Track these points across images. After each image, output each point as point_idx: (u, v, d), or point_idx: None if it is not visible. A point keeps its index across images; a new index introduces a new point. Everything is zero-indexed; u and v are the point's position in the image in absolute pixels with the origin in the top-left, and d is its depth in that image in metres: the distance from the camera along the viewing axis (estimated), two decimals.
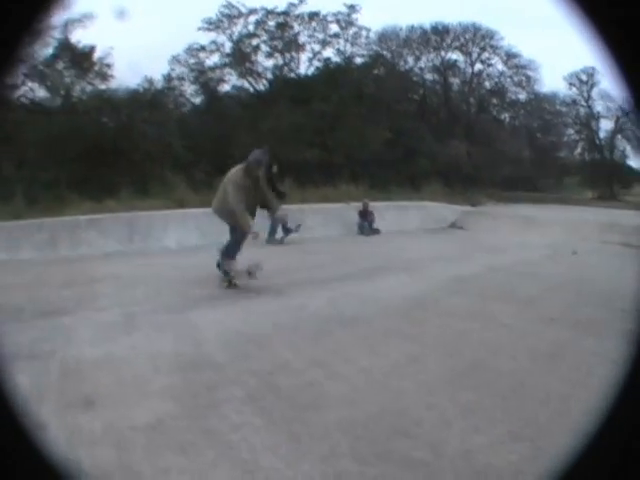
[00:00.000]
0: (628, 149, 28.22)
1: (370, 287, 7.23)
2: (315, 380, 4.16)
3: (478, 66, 24.53)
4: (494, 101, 25.60)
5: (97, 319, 5.51)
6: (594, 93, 25.78)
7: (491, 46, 24.17)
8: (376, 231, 13.54)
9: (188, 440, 3.19)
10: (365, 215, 13.78)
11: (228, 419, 3.49)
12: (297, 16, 20.98)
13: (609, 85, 29.64)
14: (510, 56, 24.28)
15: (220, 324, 5.50)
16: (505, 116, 26.41)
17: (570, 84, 25.70)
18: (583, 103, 26.28)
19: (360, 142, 18.76)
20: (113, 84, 16.94)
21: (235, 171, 7.08)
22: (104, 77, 16.96)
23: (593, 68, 24.63)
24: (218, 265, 7.28)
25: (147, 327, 5.33)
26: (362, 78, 21.47)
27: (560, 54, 36.98)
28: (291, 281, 7.43)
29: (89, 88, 16.96)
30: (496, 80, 24.86)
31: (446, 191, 18.23)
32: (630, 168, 30.16)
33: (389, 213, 14.51)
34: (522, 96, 25.41)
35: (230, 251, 7.13)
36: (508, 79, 24.91)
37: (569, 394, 3.98)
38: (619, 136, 27.51)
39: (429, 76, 24.79)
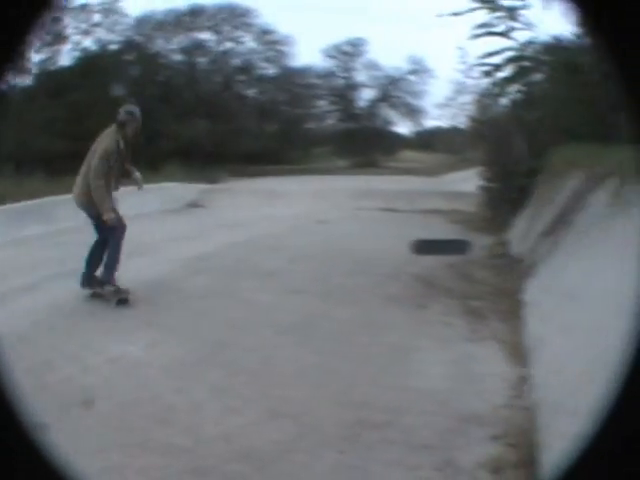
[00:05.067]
0: (393, 115, 29.39)
1: None
2: (71, 374, 3.77)
3: (229, 44, 24.51)
4: (241, 78, 25.42)
5: None
6: (358, 63, 27.18)
7: (245, 24, 24.27)
8: None
9: None
10: None
11: None
12: (69, 8, 19.57)
13: (375, 55, 31.73)
14: (265, 32, 24.53)
15: None
16: (253, 91, 26.21)
17: (329, 56, 26.80)
18: (342, 74, 27.33)
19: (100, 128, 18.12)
20: None
21: (105, 135, 5.56)
22: None
23: (359, 39, 26.39)
24: (99, 283, 5.39)
25: None
26: (113, 65, 21.08)
27: (319, 31, 39.02)
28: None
29: None
30: (245, 57, 24.89)
31: (185, 170, 17.27)
32: (397, 134, 30.95)
33: (126, 197, 13.61)
34: (272, 71, 25.63)
35: (114, 259, 5.41)
36: (258, 55, 25.12)
37: (325, 365, 3.78)
38: (384, 104, 28.61)
39: (178, 57, 24.34)
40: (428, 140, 31.09)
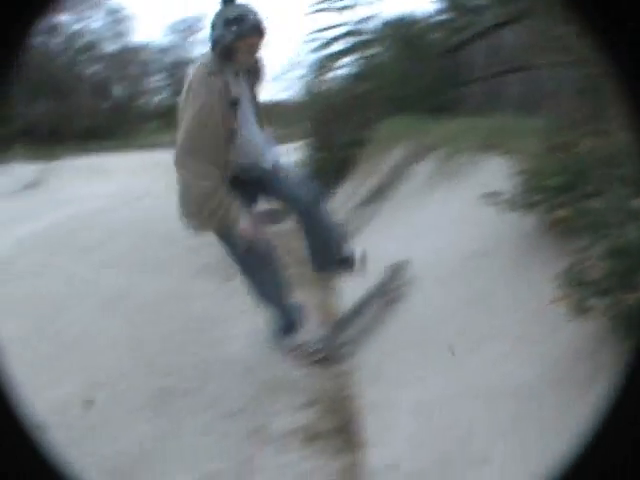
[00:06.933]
0: None
1: None
2: None
3: (79, 24, 23.22)
4: (84, 56, 24.03)
5: None
6: (195, 39, 25.83)
7: (97, 3, 23.17)
8: None
9: None
10: None
11: None
12: None
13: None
14: (112, 11, 23.77)
15: None
16: (94, 69, 24.48)
17: (171, 32, 26.19)
18: (177, 50, 26.38)
19: None
20: None
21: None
22: None
23: (198, 15, 25.28)
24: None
25: None
26: None
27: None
28: None
29: None
30: (92, 36, 23.86)
31: (33, 150, 16.76)
32: None
33: None
34: (113, 47, 24.56)
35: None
36: (103, 33, 24.13)
37: (137, 335, 3.62)
38: None
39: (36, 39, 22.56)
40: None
